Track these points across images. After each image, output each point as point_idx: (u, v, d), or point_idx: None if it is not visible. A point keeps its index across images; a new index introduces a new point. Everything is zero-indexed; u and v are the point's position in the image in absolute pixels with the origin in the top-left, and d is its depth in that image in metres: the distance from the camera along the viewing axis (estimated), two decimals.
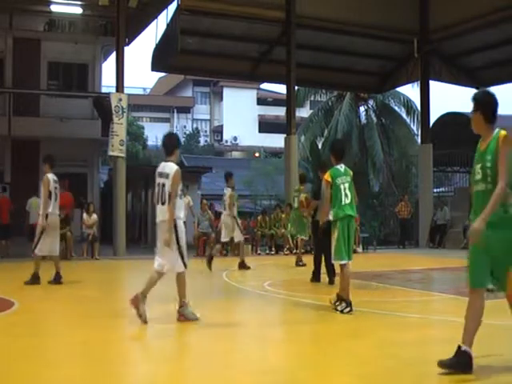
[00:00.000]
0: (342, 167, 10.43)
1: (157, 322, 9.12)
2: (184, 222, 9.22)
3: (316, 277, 14.51)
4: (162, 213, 9.03)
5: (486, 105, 6.43)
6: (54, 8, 33.04)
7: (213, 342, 8.29)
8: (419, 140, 32.39)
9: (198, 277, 13.99)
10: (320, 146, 39.36)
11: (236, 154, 70.61)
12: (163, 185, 9.00)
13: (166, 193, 8.94)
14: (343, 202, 10.16)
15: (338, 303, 10.04)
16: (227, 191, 17.75)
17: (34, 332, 8.88)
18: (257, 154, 57.39)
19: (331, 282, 13.59)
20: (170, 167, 9.07)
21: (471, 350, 6.16)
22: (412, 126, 40.22)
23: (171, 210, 8.88)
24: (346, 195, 10.17)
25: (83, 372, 6.66)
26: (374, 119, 41.12)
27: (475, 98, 6.46)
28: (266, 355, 7.49)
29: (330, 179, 10.24)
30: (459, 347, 6.19)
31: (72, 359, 7.26)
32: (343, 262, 10.11)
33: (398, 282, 14.72)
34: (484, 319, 6.19)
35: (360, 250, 25.54)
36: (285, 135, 27.51)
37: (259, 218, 25.62)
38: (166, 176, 9.00)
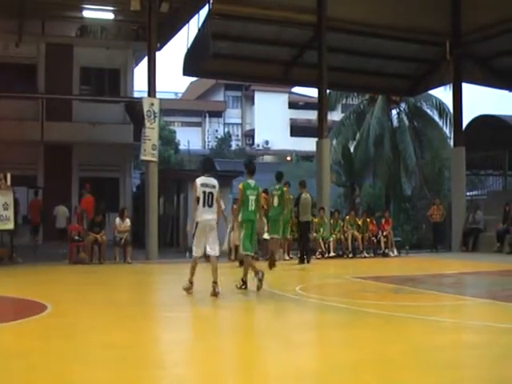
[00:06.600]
0: (252, 182, 13.51)
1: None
2: None
3: (302, 260, 20.94)
4: None
5: None
6: (86, 14, 33.23)
7: (240, 345, 8.28)
8: (452, 143, 32.12)
9: (230, 280, 13.92)
10: (352, 150, 39.24)
11: (268, 158, 70.50)
12: None
13: None
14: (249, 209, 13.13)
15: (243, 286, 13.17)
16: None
17: (68, 334, 8.91)
18: (288, 158, 57.38)
19: (308, 261, 20.96)
20: None
21: None
22: (444, 128, 39.89)
23: None
24: (251, 204, 13.15)
25: (114, 374, 6.68)
26: (406, 122, 40.83)
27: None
28: (295, 360, 7.45)
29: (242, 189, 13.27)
30: None
31: (104, 361, 7.28)
32: (248, 253, 13.10)
33: (430, 287, 14.62)
34: None
35: (393, 253, 25.47)
36: (316, 139, 27.33)
37: (290, 221, 25.50)
38: None
